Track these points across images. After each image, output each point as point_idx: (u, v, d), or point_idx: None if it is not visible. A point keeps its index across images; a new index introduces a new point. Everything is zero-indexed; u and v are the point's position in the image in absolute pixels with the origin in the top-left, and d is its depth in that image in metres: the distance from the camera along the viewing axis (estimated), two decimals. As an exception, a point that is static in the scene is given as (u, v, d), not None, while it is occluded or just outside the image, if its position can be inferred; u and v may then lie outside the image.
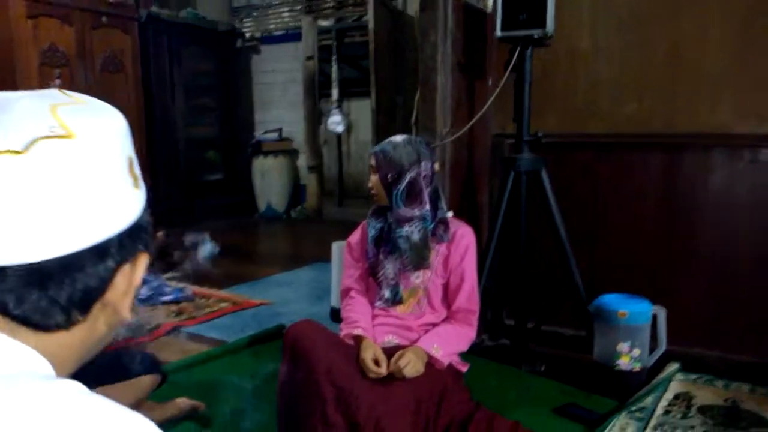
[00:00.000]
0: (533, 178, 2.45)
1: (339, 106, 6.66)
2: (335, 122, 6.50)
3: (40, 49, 4.84)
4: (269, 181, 6.33)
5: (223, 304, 3.25)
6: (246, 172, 6.42)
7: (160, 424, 1.69)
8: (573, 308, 2.41)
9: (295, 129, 6.59)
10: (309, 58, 6.41)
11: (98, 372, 1.90)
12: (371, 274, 2.04)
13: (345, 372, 1.75)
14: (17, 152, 0.49)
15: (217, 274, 3.92)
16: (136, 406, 1.91)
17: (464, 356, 2.11)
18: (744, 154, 2.37)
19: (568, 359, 2.43)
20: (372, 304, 2.05)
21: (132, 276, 0.58)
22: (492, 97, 2.45)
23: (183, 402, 2.00)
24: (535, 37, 2.31)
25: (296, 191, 6.52)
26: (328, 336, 1.87)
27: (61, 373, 0.54)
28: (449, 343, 1.95)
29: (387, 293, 2.00)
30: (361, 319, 1.99)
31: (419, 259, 1.97)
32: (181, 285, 3.50)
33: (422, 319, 2.02)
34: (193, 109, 6.15)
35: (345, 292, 2.11)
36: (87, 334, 0.57)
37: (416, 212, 1.93)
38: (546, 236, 2.45)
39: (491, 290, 2.58)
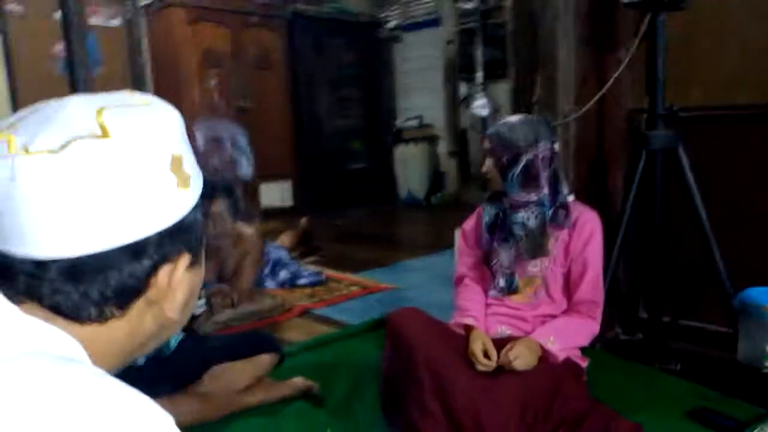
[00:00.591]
0: (669, 156, 2.21)
1: (484, 89, 6.54)
2: (480, 106, 6.38)
3: (200, 51, 5.29)
4: (410, 168, 6.40)
5: (353, 288, 3.34)
6: (388, 159, 6.55)
7: (276, 401, 1.78)
8: (716, 302, 2.14)
9: (436, 115, 6.58)
10: (449, 42, 6.35)
11: (224, 350, 2.06)
12: (485, 262, 1.98)
13: (445, 361, 1.71)
14: (52, 152, 0.51)
15: (353, 258, 4.07)
16: (256, 382, 2.05)
17: (590, 352, 1.98)
18: None
19: (708, 358, 2.17)
20: (486, 292, 1.99)
21: (172, 276, 0.58)
22: (619, 71, 2.25)
23: (299, 381, 2.09)
24: (667, 0, 2.08)
25: (436, 178, 6.52)
26: (431, 324, 1.85)
27: (103, 364, 0.56)
28: (567, 336, 1.83)
29: (502, 282, 1.93)
30: (472, 307, 1.94)
31: (536, 246, 1.87)
32: (317, 269, 3.65)
33: (538, 310, 1.92)
34: (337, 100, 6.38)
35: (459, 280, 2.07)
36: (131, 330, 0.59)
37: (533, 197, 1.84)
38: (685, 221, 2.20)
39: (623, 281, 2.39)
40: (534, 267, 1.90)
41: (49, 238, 0.52)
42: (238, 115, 5.49)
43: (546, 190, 1.84)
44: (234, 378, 1.99)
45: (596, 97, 2.26)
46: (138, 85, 5.17)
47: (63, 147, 0.52)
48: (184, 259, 0.59)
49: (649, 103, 2.22)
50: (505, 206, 1.90)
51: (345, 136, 6.45)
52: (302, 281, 3.45)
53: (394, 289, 3.31)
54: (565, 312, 1.90)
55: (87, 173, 0.52)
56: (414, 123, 6.56)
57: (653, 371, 2.16)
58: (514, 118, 1.88)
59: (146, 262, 0.56)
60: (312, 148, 6.11)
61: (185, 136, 0.60)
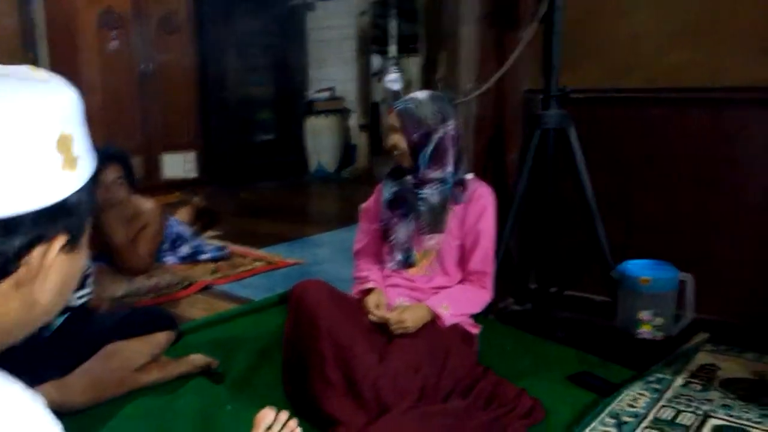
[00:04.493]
0: (561, 135, 2.33)
1: (397, 63, 6.55)
2: (392, 80, 6.38)
3: (97, 11, 4.99)
4: (321, 141, 6.34)
5: (258, 263, 3.31)
6: (298, 131, 6.46)
7: (172, 379, 1.73)
8: (598, 274, 2.30)
9: (348, 87, 6.54)
10: (362, 13, 6.30)
11: (118, 328, 2.00)
12: (384, 237, 2.02)
13: (346, 330, 1.75)
14: None
15: (259, 233, 4.02)
16: (151, 360, 2.01)
17: (482, 320, 2.08)
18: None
19: (591, 326, 2.33)
20: (383, 265, 2.04)
21: (45, 256, 0.56)
22: (518, 50, 2.33)
23: (197, 358, 2.06)
24: (564, -17, 2.16)
25: (347, 151, 6.51)
26: (333, 295, 1.88)
27: None
28: (460, 303, 1.92)
29: (399, 256, 1.99)
30: (372, 276, 2.00)
31: (436, 222, 1.93)
32: (221, 244, 3.59)
33: (434, 282, 1.99)
34: (246, 68, 6.19)
35: (357, 255, 2.11)
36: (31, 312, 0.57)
37: (438, 174, 1.89)
38: (573, 198, 2.33)
39: (515, 253, 2.51)
40: (430, 240, 1.96)
41: None
42: (139, 80, 5.27)
43: (450, 168, 1.90)
44: (128, 357, 1.94)
45: (497, 75, 2.33)
46: (29, 46, 4.82)
47: None
48: (60, 241, 0.57)
49: (544, 83, 2.32)
50: (406, 183, 1.94)
51: (253, 105, 6.29)
52: (205, 256, 3.37)
53: (299, 264, 3.31)
54: (459, 282, 1.98)
55: None
56: (325, 95, 6.49)
57: (539, 339, 2.29)
58: (422, 95, 1.91)
59: (19, 240, 0.54)
60: (218, 118, 5.93)
61: (82, 118, 0.59)
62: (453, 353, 1.83)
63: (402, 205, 1.96)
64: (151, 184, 4.82)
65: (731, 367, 2.01)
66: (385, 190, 1.99)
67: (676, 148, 2.36)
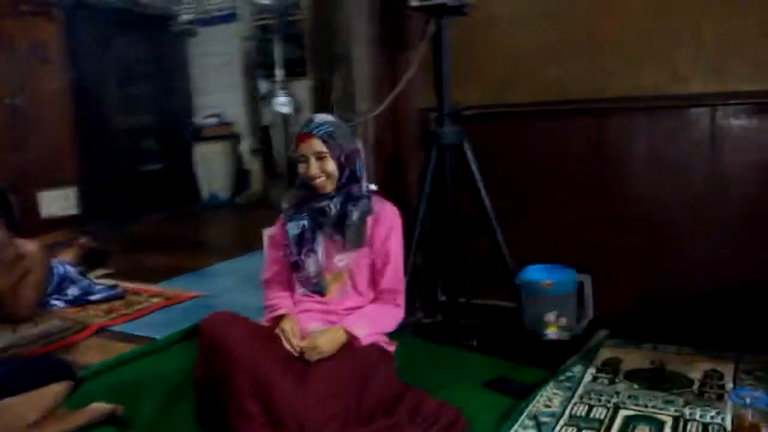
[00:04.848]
0: (457, 151, 2.40)
1: (284, 87, 6.51)
2: (281, 103, 6.34)
3: (-47, 41, 4.60)
4: (211, 168, 6.18)
5: (155, 300, 3.14)
6: (187, 159, 6.25)
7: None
8: (502, 281, 2.38)
9: (237, 112, 6.43)
10: (246, 38, 6.23)
11: (4, 382, 1.81)
12: (293, 269, 1.98)
13: (263, 360, 1.69)
14: None
15: (153, 267, 3.83)
16: (47, 415, 1.84)
17: (397, 336, 2.08)
18: (670, 117, 2.35)
19: (501, 332, 2.41)
20: (295, 292, 2.00)
21: None
22: (410, 72, 2.39)
23: (98, 407, 1.91)
24: (449, 5, 2.24)
25: (240, 177, 6.38)
26: (246, 325, 1.81)
27: None
28: (375, 322, 1.92)
29: (309, 288, 1.97)
30: (283, 303, 1.96)
31: (358, 238, 1.93)
32: (112, 282, 3.38)
33: (346, 303, 1.97)
34: (127, 97, 5.94)
35: (266, 284, 2.06)
36: None
37: (359, 191, 1.92)
38: (472, 210, 2.41)
39: (421, 267, 2.55)
40: (340, 262, 1.94)
41: None
42: (10, 113, 4.88)
43: (366, 183, 1.95)
44: (20, 413, 1.76)
45: (390, 97, 2.37)
46: None
47: None
48: None
49: (437, 102, 2.39)
50: (311, 213, 1.93)
51: (137, 135, 6.02)
52: (96, 297, 3.16)
53: (200, 296, 3.17)
54: (372, 301, 1.98)
55: None
56: (213, 120, 6.34)
57: (453, 349, 2.34)
58: (329, 117, 1.93)
59: None
60: (98, 150, 5.60)
61: None
62: (373, 373, 1.81)
63: (309, 240, 1.94)
64: (30, 223, 4.45)
65: (632, 359, 2.15)
66: (290, 225, 1.96)
67: (564, 158, 2.50)
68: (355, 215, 1.90)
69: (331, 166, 1.86)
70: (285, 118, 6.85)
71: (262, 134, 6.42)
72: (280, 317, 1.89)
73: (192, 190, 6.23)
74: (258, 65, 6.32)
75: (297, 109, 7.24)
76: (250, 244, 4.34)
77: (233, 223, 5.71)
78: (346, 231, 1.91)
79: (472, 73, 2.54)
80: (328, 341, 1.78)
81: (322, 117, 1.92)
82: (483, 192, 2.36)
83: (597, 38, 2.40)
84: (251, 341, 1.73)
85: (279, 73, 6.45)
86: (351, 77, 2.44)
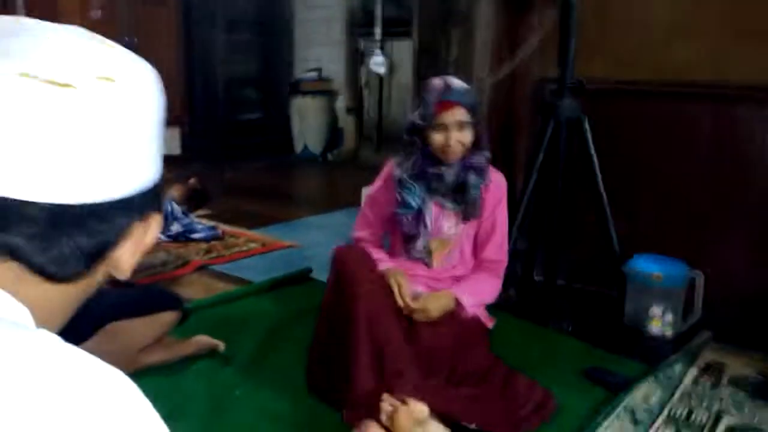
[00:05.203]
0: (574, 127, 2.31)
1: (382, 47, 6.47)
2: (377, 63, 6.32)
3: (82, -22, 4.81)
4: (307, 122, 6.24)
5: (252, 245, 3.24)
6: (284, 112, 6.35)
7: (177, 361, 1.67)
8: (607, 267, 2.30)
9: (336, 69, 6.44)
10: (352, -6, 6.20)
11: (121, 307, 1.92)
12: (405, 242, 1.94)
13: (380, 308, 1.71)
14: (63, 85, 0.47)
15: (249, 213, 3.94)
16: (156, 341, 1.94)
17: (490, 311, 2.06)
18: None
19: (598, 320, 2.34)
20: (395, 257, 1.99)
21: (143, 236, 0.56)
22: (536, 39, 2.30)
23: (203, 340, 2.01)
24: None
25: (334, 133, 6.43)
26: (372, 268, 1.81)
27: (45, 324, 0.51)
28: (479, 291, 1.91)
29: (415, 255, 1.93)
30: (386, 259, 1.93)
31: (475, 210, 1.90)
32: (212, 224, 3.51)
33: (452, 271, 1.95)
34: (233, 45, 6.06)
35: (358, 241, 2.01)
36: (85, 288, 0.56)
37: (482, 160, 1.87)
38: (584, 190, 2.32)
39: (523, 244, 2.49)
40: (450, 230, 1.92)
41: (49, 179, 0.47)
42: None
43: (487, 152, 1.89)
44: (132, 336, 1.87)
45: (513, 63, 2.31)
46: (7, 6, 4.61)
47: (73, 82, 0.47)
48: (156, 219, 0.57)
49: (559, 73, 2.29)
50: (425, 178, 1.86)
51: (239, 83, 6.17)
52: (197, 236, 3.29)
53: (295, 247, 3.25)
54: (474, 270, 1.95)
55: (97, 115, 0.48)
56: (313, 75, 6.38)
57: (548, 332, 2.29)
58: (458, 82, 1.83)
59: (128, 219, 0.54)
60: (204, 94, 5.80)
61: None
62: (471, 344, 1.81)
63: (424, 210, 1.88)
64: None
65: (737, 365, 2.03)
66: (411, 196, 1.86)
67: (686, 144, 2.37)
68: (475, 186, 1.86)
69: (470, 136, 1.80)
70: (380, 78, 6.84)
71: (358, 93, 6.44)
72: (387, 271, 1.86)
73: (286, 142, 6.34)
74: (360, 23, 6.28)
75: (391, 70, 7.22)
76: (341, 199, 4.41)
77: (324, 179, 5.79)
78: (465, 201, 1.86)
79: (597, 45, 2.42)
80: (438, 308, 1.77)
81: (459, 83, 1.82)
82: (597, 172, 2.27)
83: (736, 18, 2.22)
84: (374, 285, 1.74)
85: (377, 31, 6.41)
86: (471, 39, 2.37)
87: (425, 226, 1.87)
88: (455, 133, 1.77)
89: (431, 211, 1.89)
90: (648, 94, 2.42)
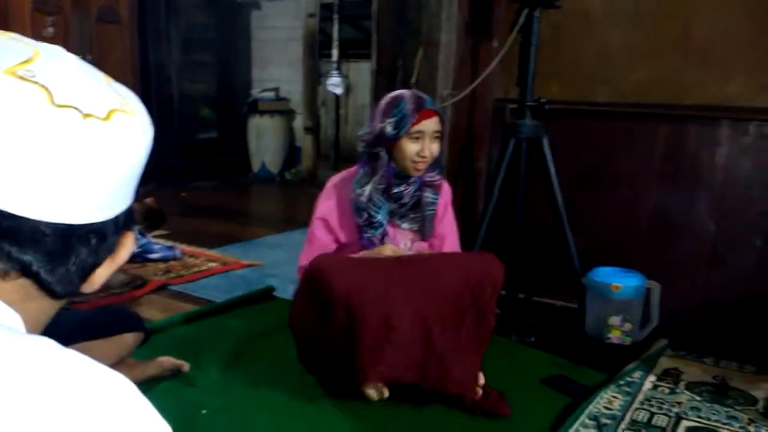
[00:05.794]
0: (534, 145, 2.39)
1: (339, 68, 6.53)
2: (334, 84, 6.37)
3: (33, -6, 4.70)
4: (264, 142, 6.22)
5: (212, 264, 3.20)
6: (241, 131, 6.31)
7: (140, 383, 1.64)
8: (566, 280, 2.37)
9: (293, 89, 6.46)
10: (310, 15, 6.25)
11: (83, 328, 1.87)
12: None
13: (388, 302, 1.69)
14: (101, 119, 0.50)
15: (207, 233, 3.89)
16: (118, 363, 1.89)
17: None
18: (750, 129, 2.30)
19: (560, 331, 2.39)
20: None
21: (118, 253, 0.59)
22: (497, 59, 2.38)
23: (166, 361, 1.97)
24: (543, -3, 2.22)
25: (291, 153, 6.42)
26: (355, 265, 1.76)
27: (31, 332, 0.54)
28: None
29: None
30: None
31: (430, 227, 1.91)
32: (169, 243, 3.45)
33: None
34: (189, 64, 6.02)
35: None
36: (62, 303, 0.58)
37: (437, 176, 1.91)
38: (543, 205, 2.39)
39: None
40: (405, 246, 1.91)
41: (79, 203, 0.51)
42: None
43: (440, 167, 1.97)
44: (95, 357, 1.81)
45: (476, 82, 2.36)
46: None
47: (108, 116, 0.51)
48: (131, 236, 0.60)
49: (520, 93, 2.37)
50: (407, 195, 1.86)
51: (195, 102, 6.11)
52: (154, 256, 3.22)
53: (256, 265, 3.22)
54: None
55: (123, 146, 0.52)
56: (271, 95, 6.38)
57: (511, 343, 2.33)
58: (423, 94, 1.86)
59: (117, 237, 0.57)
60: (159, 113, 5.69)
61: None
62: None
63: (401, 216, 1.88)
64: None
65: (693, 371, 2.11)
66: (378, 211, 1.82)
67: (641, 162, 2.47)
68: (431, 204, 1.88)
69: (438, 148, 1.81)
70: (337, 98, 6.89)
71: (316, 113, 6.46)
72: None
73: (243, 162, 6.29)
74: (319, 44, 6.33)
75: (348, 90, 7.27)
76: (300, 218, 4.39)
77: (282, 197, 5.76)
78: (421, 220, 1.87)
79: (555, 68, 2.51)
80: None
81: (409, 92, 1.84)
82: (557, 188, 2.34)
83: (686, 43, 2.35)
84: (371, 282, 1.69)
85: (335, 53, 6.47)
86: (435, 61, 2.43)
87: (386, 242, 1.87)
88: (430, 144, 1.77)
89: (388, 230, 1.88)
90: (605, 114, 2.51)
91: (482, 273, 1.73)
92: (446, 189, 1.97)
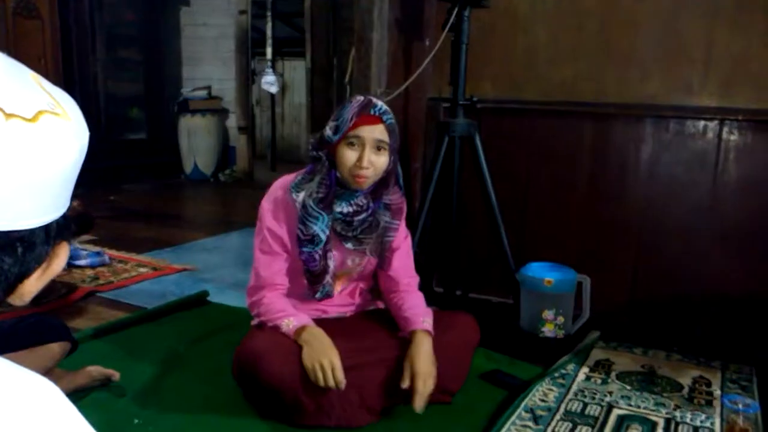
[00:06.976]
0: (467, 142, 2.42)
1: (273, 66, 6.45)
2: (269, 82, 6.28)
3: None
4: (196, 142, 6.06)
5: (143, 270, 3.09)
6: (172, 131, 6.14)
7: (69, 393, 1.57)
8: (501, 276, 2.41)
9: (226, 87, 6.33)
10: (242, 12, 6.13)
11: (6, 338, 1.77)
12: (308, 277, 1.75)
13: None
14: (27, 119, 0.48)
15: (137, 238, 3.76)
16: (45, 374, 1.79)
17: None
18: (670, 126, 2.41)
19: (496, 326, 2.43)
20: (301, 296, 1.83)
21: (50, 264, 0.56)
22: (429, 58, 2.39)
23: (95, 370, 1.88)
24: (473, -4, 2.25)
25: (225, 153, 6.29)
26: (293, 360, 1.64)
27: None
28: (426, 311, 1.83)
29: (324, 288, 1.77)
30: (295, 312, 1.74)
31: (384, 249, 1.81)
32: (97, 249, 3.31)
33: (348, 290, 1.90)
34: (115, 62, 5.81)
35: (270, 288, 1.76)
36: None
37: (396, 197, 1.78)
38: (477, 203, 2.43)
39: (422, 257, 2.56)
40: (353, 262, 1.82)
41: (2, 209, 0.48)
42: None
43: (400, 189, 1.81)
44: (18, 370, 1.73)
45: (410, 80, 2.37)
46: None
47: (35, 117, 0.49)
48: (64, 247, 0.57)
49: (452, 92, 2.39)
50: (359, 210, 1.70)
51: (123, 101, 5.90)
52: (81, 262, 3.09)
53: (190, 270, 3.13)
54: (404, 292, 1.86)
55: (51, 148, 0.50)
56: (202, 93, 6.22)
57: (449, 340, 2.35)
58: (382, 102, 1.67)
59: (47, 247, 0.55)
60: (84, 113, 5.38)
61: None
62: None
63: (330, 244, 1.72)
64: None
65: (623, 361, 2.19)
66: (318, 227, 1.66)
67: (569, 159, 2.54)
68: (390, 230, 1.77)
69: (385, 163, 1.63)
70: (272, 97, 6.81)
71: (250, 112, 6.36)
72: (302, 329, 1.67)
73: (175, 163, 6.12)
74: (251, 41, 6.23)
75: (284, 89, 7.20)
76: (236, 220, 4.31)
77: (217, 199, 5.63)
78: (379, 247, 1.77)
79: (486, 67, 2.55)
80: (430, 363, 1.71)
81: (382, 103, 1.66)
82: (490, 186, 2.38)
83: (609, 43, 2.44)
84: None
85: (269, 51, 6.38)
86: (369, 60, 2.43)
87: (330, 262, 1.73)
88: (370, 153, 1.59)
89: (332, 246, 1.74)
90: (534, 112, 2.58)
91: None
92: (400, 200, 1.82)
